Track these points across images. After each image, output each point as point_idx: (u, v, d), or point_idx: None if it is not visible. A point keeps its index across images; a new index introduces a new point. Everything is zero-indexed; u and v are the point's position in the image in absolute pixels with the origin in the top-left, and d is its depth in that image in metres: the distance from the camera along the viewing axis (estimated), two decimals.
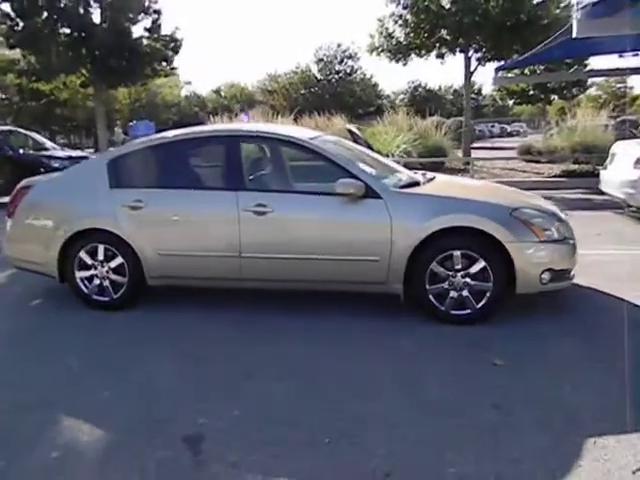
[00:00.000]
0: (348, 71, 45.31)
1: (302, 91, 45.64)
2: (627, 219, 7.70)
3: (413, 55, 16.03)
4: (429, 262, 3.89)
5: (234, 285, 4.31)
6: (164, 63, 20.75)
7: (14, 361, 3.61)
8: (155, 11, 19.88)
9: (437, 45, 15.55)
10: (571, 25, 8.07)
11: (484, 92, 59.27)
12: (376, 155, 5.49)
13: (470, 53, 16.08)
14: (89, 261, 4.36)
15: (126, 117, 41.49)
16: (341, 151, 4.42)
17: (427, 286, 3.93)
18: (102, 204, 4.31)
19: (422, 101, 50.57)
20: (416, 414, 2.78)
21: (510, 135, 42.32)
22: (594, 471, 2.29)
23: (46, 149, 12.03)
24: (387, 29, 15.85)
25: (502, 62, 15.06)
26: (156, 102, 50.29)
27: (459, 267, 3.87)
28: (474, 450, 2.45)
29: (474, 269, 3.85)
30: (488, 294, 3.87)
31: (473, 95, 60.72)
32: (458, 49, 15.83)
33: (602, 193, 8.42)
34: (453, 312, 3.94)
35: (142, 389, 3.13)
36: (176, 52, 20.90)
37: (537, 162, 15.26)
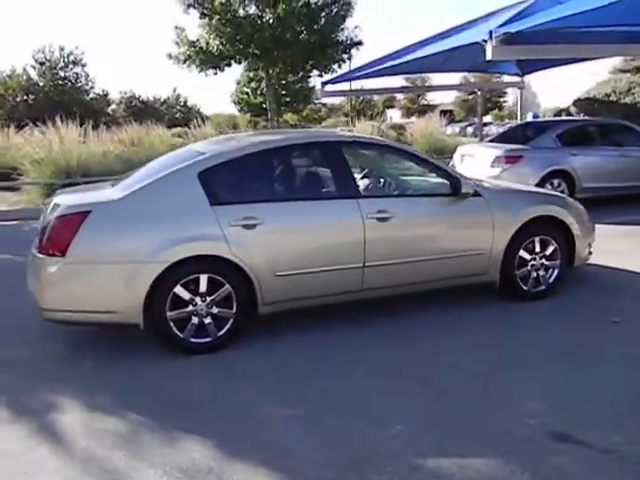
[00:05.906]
0: (75, 78, 41.28)
1: (19, 98, 39.77)
2: None
3: (225, 65, 15.89)
4: (518, 249, 4.45)
5: (351, 298, 4.07)
6: None
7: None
8: None
9: (248, 57, 15.78)
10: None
11: (189, 104, 59.95)
12: None
13: (271, 69, 16.83)
14: (186, 296, 3.55)
15: None
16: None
17: (516, 271, 4.48)
18: (205, 225, 3.55)
19: (139, 112, 49.34)
20: None
21: None
22: None
23: None
24: (187, 37, 15.36)
25: (298, 76, 16.25)
26: None
27: (538, 250, 4.53)
28: None
29: (548, 251, 4.56)
30: (556, 271, 4.63)
31: (179, 107, 61.28)
32: (262, 63, 16.39)
33: None
34: (532, 290, 4.57)
35: (456, 401, 3.02)
36: None
37: None
